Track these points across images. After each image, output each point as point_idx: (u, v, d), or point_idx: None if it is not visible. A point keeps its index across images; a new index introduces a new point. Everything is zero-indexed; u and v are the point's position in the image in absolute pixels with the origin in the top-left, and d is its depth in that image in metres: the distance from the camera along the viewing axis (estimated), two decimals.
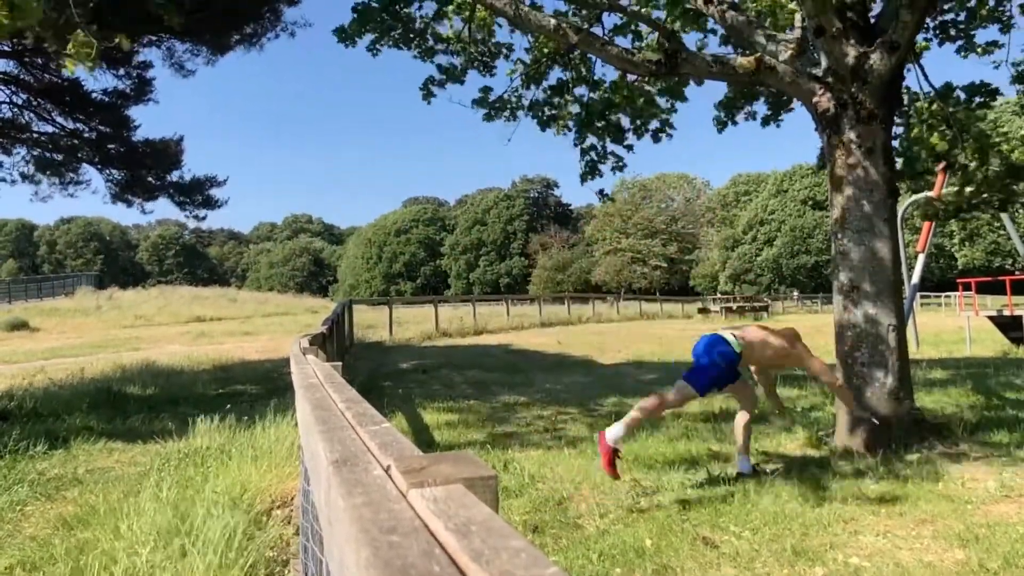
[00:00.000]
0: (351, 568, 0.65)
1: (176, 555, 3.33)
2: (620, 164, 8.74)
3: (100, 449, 6.48)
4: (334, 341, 10.79)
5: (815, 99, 5.87)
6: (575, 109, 8.49)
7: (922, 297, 37.40)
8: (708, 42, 8.35)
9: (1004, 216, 16.13)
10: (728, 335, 4.72)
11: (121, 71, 11.94)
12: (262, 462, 4.90)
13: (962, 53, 6.96)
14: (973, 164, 5.96)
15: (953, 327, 20.90)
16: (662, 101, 8.43)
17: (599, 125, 8.29)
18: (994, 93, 6.44)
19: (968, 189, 6.10)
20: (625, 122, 8.53)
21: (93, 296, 34.68)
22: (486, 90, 8.57)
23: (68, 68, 5.30)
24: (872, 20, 5.84)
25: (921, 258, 16.01)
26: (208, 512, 3.75)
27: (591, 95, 8.37)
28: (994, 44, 6.81)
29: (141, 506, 4.05)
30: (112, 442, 6.72)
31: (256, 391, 9.89)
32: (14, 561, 3.64)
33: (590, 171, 8.65)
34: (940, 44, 7.09)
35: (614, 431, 4.43)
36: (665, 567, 3.30)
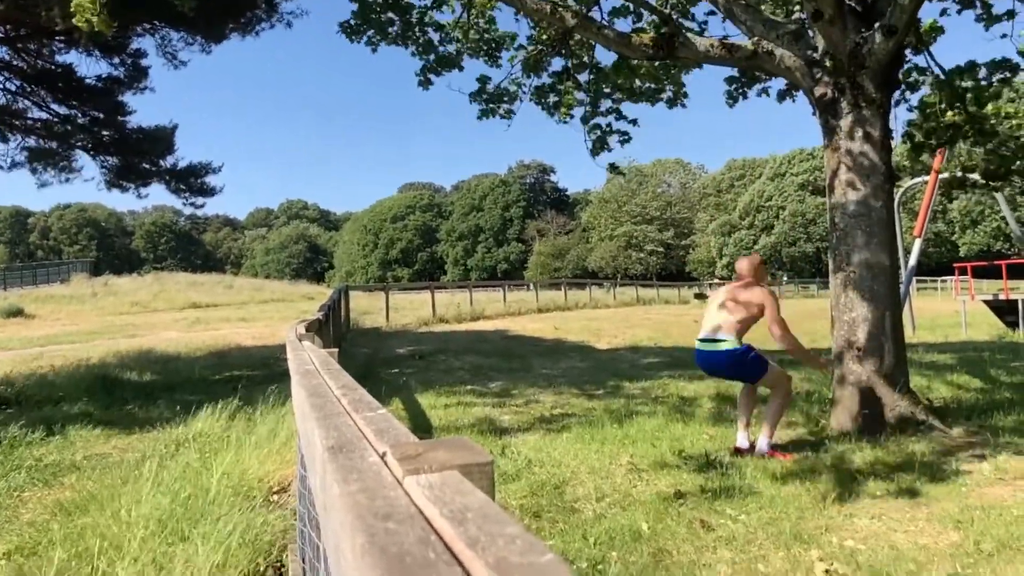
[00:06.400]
0: (347, 554, 0.65)
1: (176, 540, 3.35)
2: (626, 138, 8.77)
3: (98, 435, 6.47)
4: (330, 327, 10.80)
5: (812, 84, 5.84)
6: (580, 96, 8.45)
7: (918, 281, 37.50)
8: (697, 15, 8.32)
9: (1000, 199, 16.17)
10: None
11: (116, 59, 11.82)
12: (261, 448, 4.91)
13: (981, 23, 6.86)
14: (981, 142, 5.90)
15: (949, 311, 20.99)
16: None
17: (612, 96, 8.31)
18: (1015, 69, 6.28)
19: (977, 167, 6.05)
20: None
21: (88, 283, 34.52)
22: (484, 79, 8.49)
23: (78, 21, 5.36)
24: (870, 3, 5.80)
25: (918, 242, 16.06)
26: (208, 497, 3.76)
27: (593, 80, 8.34)
28: (1011, 14, 6.66)
29: (140, 492, 4.06)
30: (110, 428, 6.71)
31: (253, 377, 9.89)
32: (12, 547, 3.65)
33: (599, 145, 8.66)
34: (959, 12, 6.97)
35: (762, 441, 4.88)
36: (661, 550, 3.32)
